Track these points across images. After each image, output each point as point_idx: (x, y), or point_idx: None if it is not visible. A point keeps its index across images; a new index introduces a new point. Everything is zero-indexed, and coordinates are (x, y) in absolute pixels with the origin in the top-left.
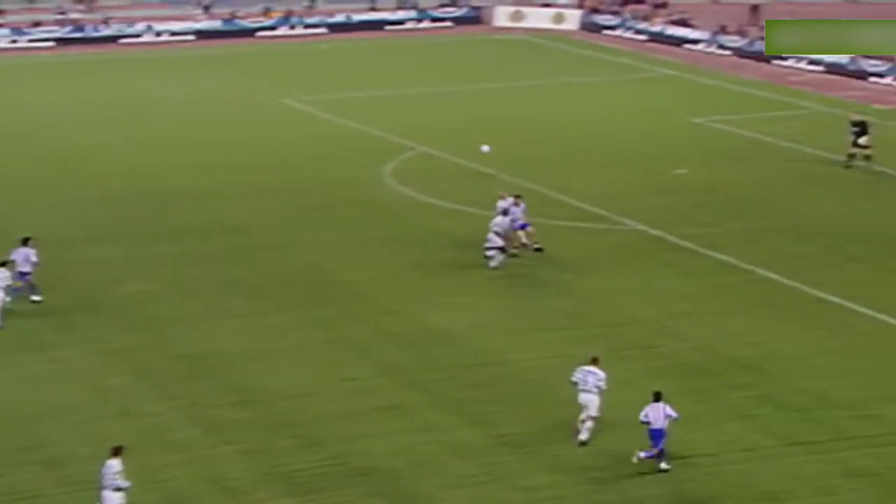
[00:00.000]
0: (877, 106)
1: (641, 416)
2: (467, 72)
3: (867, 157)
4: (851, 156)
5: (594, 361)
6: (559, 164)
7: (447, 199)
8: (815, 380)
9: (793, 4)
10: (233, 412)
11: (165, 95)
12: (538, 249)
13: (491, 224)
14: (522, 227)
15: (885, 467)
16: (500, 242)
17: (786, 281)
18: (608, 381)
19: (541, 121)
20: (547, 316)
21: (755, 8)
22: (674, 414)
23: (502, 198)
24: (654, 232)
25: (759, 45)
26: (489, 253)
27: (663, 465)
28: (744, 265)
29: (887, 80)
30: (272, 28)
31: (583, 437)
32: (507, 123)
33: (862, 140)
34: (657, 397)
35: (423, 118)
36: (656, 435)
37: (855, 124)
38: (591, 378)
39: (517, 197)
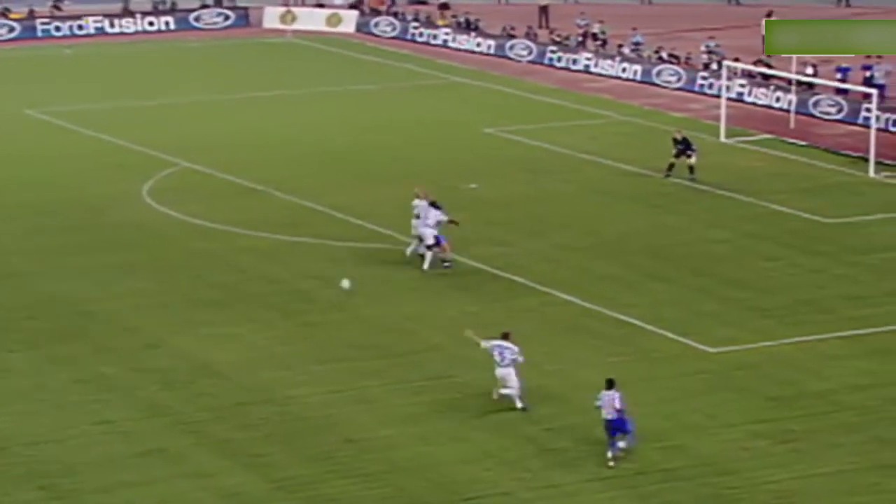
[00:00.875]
0: (675, 114)
1: (597, 402)
2: (234, 79)
3: (691, 169)
4: (672, 166)
5: (505, 336)
6: (339, 181)
7: (215, 219)
8: None
9: (582, 5)
10: None
11: None
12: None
13: (418, 223)
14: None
15: (692, 501)
16: (430, 240)
17: (587, 304)
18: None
19: (317, 132)
20: (329, 347)
21: (544, 9)
22: (619, 403)
23: (418, 196)
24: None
25: (550, 51)
26: (421, 250)
27: (621, 444)
28: (542, 287)
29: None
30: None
31: (520, 405)
32: (279, 136)
33: (691, 157)
34: (609, 384)
35: (186, 131)
36: (616, 425)
37: (677, 142)
38: (507, 353)
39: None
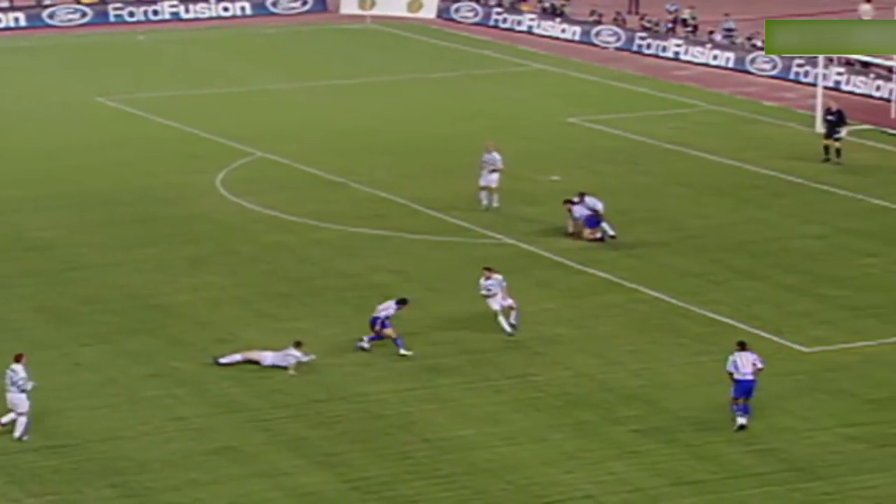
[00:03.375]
0: (767, 103)
1: (729, 367)
2: (311, 66)
3: (838, 152)
4: (826, 149)
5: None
6: (418, 171)
7: (290, 210)
8: (707, 411)
9: None
10: (41, 459)
11: None
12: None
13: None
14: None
15: None
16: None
17: (674, 300)
18: None
19: (396, 122)
20: (405, 342)
21: None
22: (760, 363)
23: (488, 150)
24: (526, 246)
25: (639, 38)
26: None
27: (742, 421)
28: (627, 283)
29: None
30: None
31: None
32: (356, 125)
33: (840, 133)
34: (742, 346)
35: (261, 120)
36: (747, 387)
37: (830, 113)
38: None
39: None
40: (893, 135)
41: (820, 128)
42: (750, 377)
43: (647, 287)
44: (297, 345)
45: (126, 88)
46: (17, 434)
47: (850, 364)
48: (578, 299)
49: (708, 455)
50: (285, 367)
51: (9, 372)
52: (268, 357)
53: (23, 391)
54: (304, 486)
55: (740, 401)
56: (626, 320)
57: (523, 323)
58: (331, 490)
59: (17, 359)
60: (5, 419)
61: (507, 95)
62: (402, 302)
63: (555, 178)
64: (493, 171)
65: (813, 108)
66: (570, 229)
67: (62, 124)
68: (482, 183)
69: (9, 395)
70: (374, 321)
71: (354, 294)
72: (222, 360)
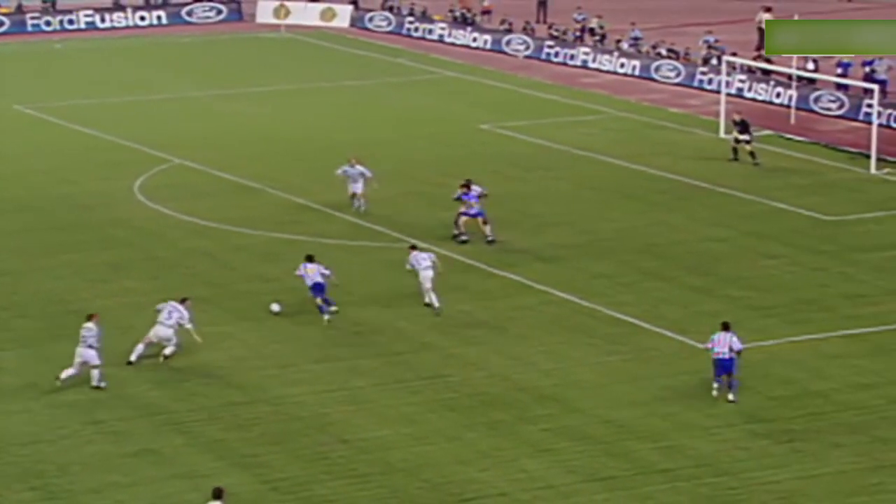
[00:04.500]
0: (673, 109)
1: (708, 344)
2: (227, 75)
3: (752, 154)
4: (735, 150)
5: (413, 248)
6: (332, 177)
7: (207, 216)
8: (617, 409)
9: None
10: None
11: None
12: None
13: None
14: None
15: (690, 502)
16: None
17: (584, 302)
18: None
19: (311, 128)
20: (322, 346)
21: (542, 3)
22: (739, 345)
23: (351, 164)
24: (440, 250)
25: (547, 46)
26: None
27: (730, 397)
28: (538, 285)
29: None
30: None
31: (430, 301)
32: (272, 132)
33: (744, 136)
34: (725, 327)
35: (178, 127)
36: (724, 364)
37: (736, 123)
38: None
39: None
40: (791, 140)
41: (724, 133)
42: (726, 356)
43: (558, 289)
44: (182, 301)
45: (44, 97)
46: (94, 383)
47: (753, 362)
48: (492, 301)
49: (618, 452)
50: (173, 332)
51: (83, 330)
52: (156, 331)
53: (93, 347)
54: (224, 487)
55: (723, 378)
56: (538, 322)
57: (437, 324)
58: (249, 491)
59: (90, 318)
60: (65, 374)
61: (421, 102)
62: (309, 258)
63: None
64: (357, 180)
65: (717, 114)
66: (461, 228)
67: None
68: (351, 191)
69: (79, 349)
70: (316, 288)
71: (273, 298)
72: (131, 359)
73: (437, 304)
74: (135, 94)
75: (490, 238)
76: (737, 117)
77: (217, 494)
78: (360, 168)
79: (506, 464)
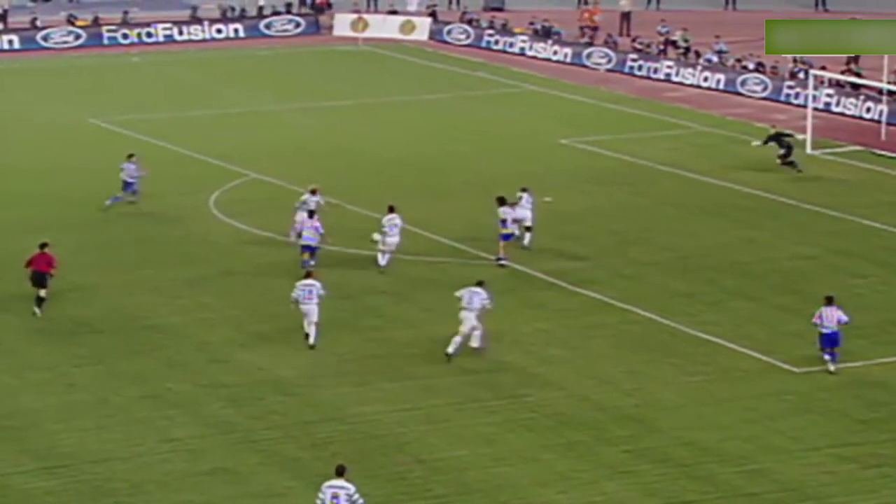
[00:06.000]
0: (758, 124)
1: (814, 319)
2: (305, 88)
3: (791, 164)
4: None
5: (479, 284)
6: (411, 192)
7: (284, 231)
8: (700, 431)
9: (664, 12)
10: (33, 480)
11: None
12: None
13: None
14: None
15: None
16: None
17: (666, 321)
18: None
19: (389, 143)
20: (399, 364)
21: (626, 16)
22: (845, 318)
23: (312, 193)
24: (519, 267)
25: (630, 60)
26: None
27: (831, 368)
28: (620, 304)
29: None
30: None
31: (475, 344)
32: (350, 146)
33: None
34: (829, 300)
35: (254, 141)
36: (832, 338)
37: (771, 137)
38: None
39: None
40: (883, 156)
41: (810, 150)
42: (834, 329)
43: (639, 308)
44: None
45: (119, 110)
46: (311, 342)
47: (841, 384)
48: (571, 320)
49: (700, 475)
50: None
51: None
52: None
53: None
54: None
55: (827, 350)
56: (618, 341)
57: (516, 343)
58: None
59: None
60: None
61: (500, 116)
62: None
63: (547, 199)
64: (309, 210)
65: (804, 129)
66: (500, 252)
67: (58, 144)
68: (297, 219)
69: (303, 307)
70: (308, 249)
71: (349, 315)
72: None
73: (478, 344)
74: (211, 107)
75: (526, 244)
76: (772, 131)
77: (340, 472)
78: (316, 197)
79: (585, 486)
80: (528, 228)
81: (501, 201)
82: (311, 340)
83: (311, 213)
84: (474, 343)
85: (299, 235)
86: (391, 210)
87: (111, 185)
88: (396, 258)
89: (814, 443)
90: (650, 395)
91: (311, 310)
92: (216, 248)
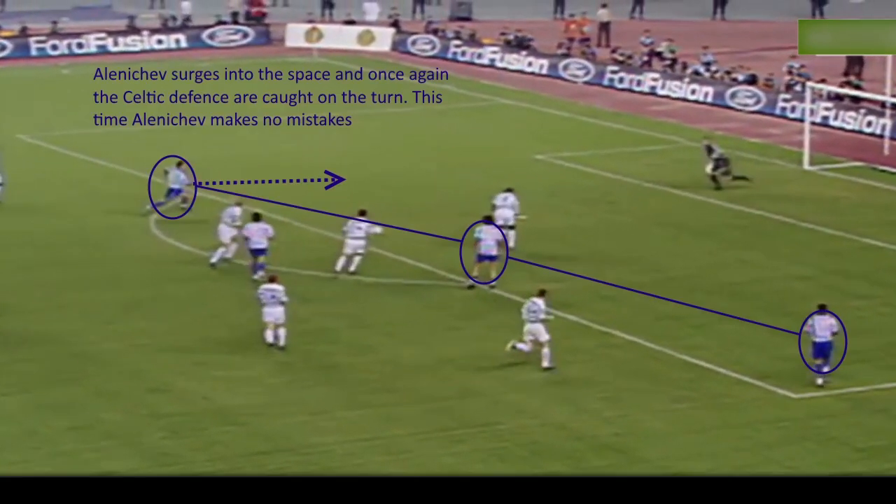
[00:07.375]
0: (751, 139)
1: (805, 328)
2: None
3: (713, 178)
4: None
5: (541, 294)
6: (370, 211)
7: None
8: (688, 461)
9: (647, 22)
10: None
11: None
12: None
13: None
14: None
15: None
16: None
17: (650, 344)
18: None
19: (347, 158)
20: (355, 391)
21: (605, 26)
22: (837, 327)
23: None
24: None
25: (610, 72)
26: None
27: (819, 381)
28: (599, 326)
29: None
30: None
31: (545, 363)
32: (302, 162)
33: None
34: (822, 308)
35: (196, 156)
36: (824, 348)
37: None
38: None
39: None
40: (885, 172)
41: (808, 165)
42: (827, 339)
43: (620, 331)
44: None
45: (49, 125)
46: (280, 344)
47: (840, 411)
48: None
49: None
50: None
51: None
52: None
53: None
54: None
55: (818, 361)
56: (598, 365)
57: (486, 368)
58: None
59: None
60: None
61: (469, 131)
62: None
63: (521, 216)
64: (232, 224)
65: (800, 144)
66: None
67: None
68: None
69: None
70: (258, 252)
71: (301, 339)
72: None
73: (546, 364)
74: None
75: (491, 283)
76: (706, 142)
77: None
78: (236, 210)
79: None
80: (511, 227)
81: (487, 221)
82: (281, 342)
83: (256, 217)
84: (544, 363)
85: (247, 240)
86: (361, 213)
87: (38, 204)
88: (356, 280)
89: (812, 472)
90: (633, 423)
91: (277, 311)
92: (156, 271)
